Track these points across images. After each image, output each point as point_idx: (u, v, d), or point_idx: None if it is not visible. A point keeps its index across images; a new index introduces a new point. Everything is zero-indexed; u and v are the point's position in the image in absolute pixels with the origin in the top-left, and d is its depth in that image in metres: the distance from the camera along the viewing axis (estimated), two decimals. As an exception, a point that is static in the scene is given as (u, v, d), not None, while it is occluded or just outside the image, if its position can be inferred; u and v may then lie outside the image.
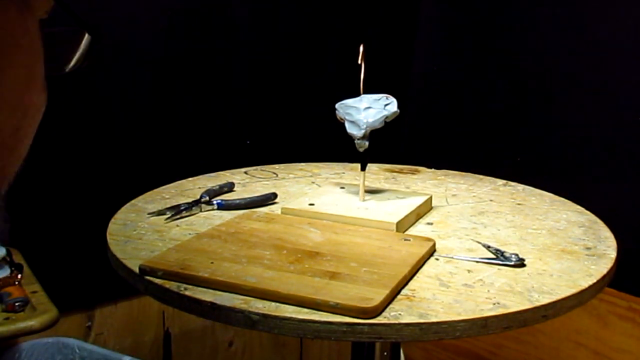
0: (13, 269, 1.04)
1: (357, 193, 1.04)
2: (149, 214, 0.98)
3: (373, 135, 0.98)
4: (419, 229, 0.97)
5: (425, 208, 1.05)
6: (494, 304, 0.70)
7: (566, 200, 1.14)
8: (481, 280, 0.77)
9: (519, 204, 1.11)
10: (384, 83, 1.06)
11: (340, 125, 1.00)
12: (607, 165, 1.49)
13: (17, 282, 1.05)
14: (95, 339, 1.40)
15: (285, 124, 1.65)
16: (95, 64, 0.37)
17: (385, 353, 1.17)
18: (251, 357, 1.69)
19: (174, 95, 1.44)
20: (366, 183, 1.04)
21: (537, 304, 0.71)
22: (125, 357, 1.05)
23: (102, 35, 0.37)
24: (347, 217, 0.95)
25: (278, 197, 1.08)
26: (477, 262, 0.83)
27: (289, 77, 1.64)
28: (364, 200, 1.03)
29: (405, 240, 0.87)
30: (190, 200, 1.03)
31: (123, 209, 1.01)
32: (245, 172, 1.28)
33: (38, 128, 0.34)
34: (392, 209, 0.98)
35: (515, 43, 1.68)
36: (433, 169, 1.35)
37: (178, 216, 0.97)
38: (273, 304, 0.68)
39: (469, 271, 0.80)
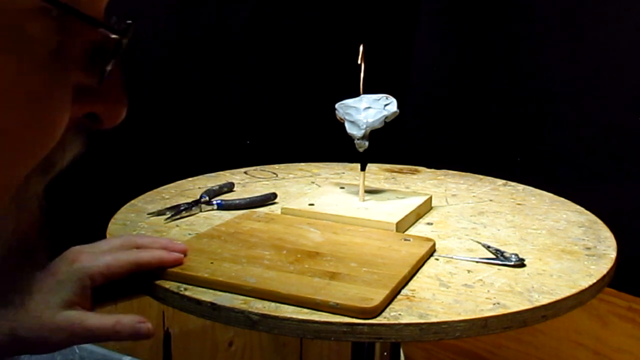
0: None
1: (357, 193, 1.04)
2: (148, 214, 0.98)
3: (373, 135, 0.98)
4: (419, 229, 0.97)
5: (425, 208, 1.05)
6: (494, 304, 0.70)
7: (566, 200, 1.14)
8: (481, 280, 0.77)
9: (519, 204, 1.11)
10: (384, 83, 1.06)
11: (340, 125, 1.00)
12: (607, 165, 1.49)
13: (17, 282, 1.05)
14: (95, 339, 1.40)
15: (285, 124, 1.65)
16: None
17: (385, 353, 1.17)
18: (251, 357, 1.69)
19: (174, 95, 1.44)
20: (366, 183, 1.04)
21: (537, 304, 0.71)
22: (125, 357, 1.05)
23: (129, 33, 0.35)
24: (347, 217, 0.95)
25: (278, 197, 1.08)
26: (477, 262, 0.83)
27: (289, 77, 1.64)
28: (363, 200, 1.03)
29: (405, 240, 0.87)
30: (190, 200, 1.03)
31: (123, 209, 1.01)
32: (245, 172, 1.28)
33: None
34: (392, 209, 0.98)
35: (515, 43, 1.68)
36: (433, 169, 1.35)
37: (178, 216, 0.97)
38: (273, 304, 0.68)
39: (469, 271, 0.80)
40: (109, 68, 0.33)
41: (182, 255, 0.75)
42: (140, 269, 0.71)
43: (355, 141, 0.99)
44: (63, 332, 0.62)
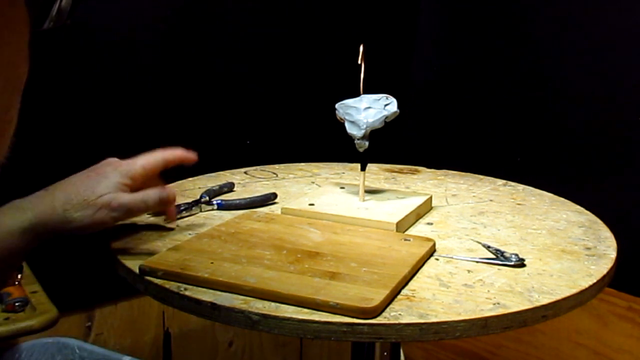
0: (13, 268, 1.04)
1: (357, 193, 1.04)
2: (149, 214, 0.98)
3: (373, 135, 0.98)
4: (419, 229, 0.97)
5: (425, 208, 1.05)
6: (494, 304, 0.70)
7: (566, 200, 1.14)
8: (481, 280, 0.77)
9: (519, 204, 1.11)
10: (384, 83, 1.06)
11: (340, 125, 1.00)
12: (607, 165, 1.49)
13: (17, 282, 1.05)
14: (95, 339, 1.40)
15: (285, 124, 1.65)
16: (79, 23, 0.38)
17: (385, 353, 1.17)
18: (251, 357, 1.69)
19: (174, 95, 1.44)
20: (366, 183, 1.04)
21: (537, 304, 0.71)
22: (125, 357, 1.05)
23: None
24: (347, 217, 0.95)
25: (278, 197, 1.08)
26: (477, 262, 0.83)
27: (288, 77, 1.64)
28: (364, 200, 1.03)
29: (405, 240, 0.87)
30: (190, 200, 1.03)
31: (123, 209, 1.01)
32: (245, 172, 1.28)
33: (40, 128, 0.34)
34: (392, 209, 0.98)
35: (516, 43, 1.68)
36: (433, 169, 1.35)
37: (178, 216, 0.97)
38: (273, 304, 0.68)
39: (469, 271, 0.80)
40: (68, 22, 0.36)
41: (196, 155, 0.89)
42: (167, 165, 0.85)
43: (355, 141, 0.99)
44: (104, 210, 0.75)
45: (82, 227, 0.75)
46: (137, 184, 0.80)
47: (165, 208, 0.85)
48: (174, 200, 0.82)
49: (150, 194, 0.79)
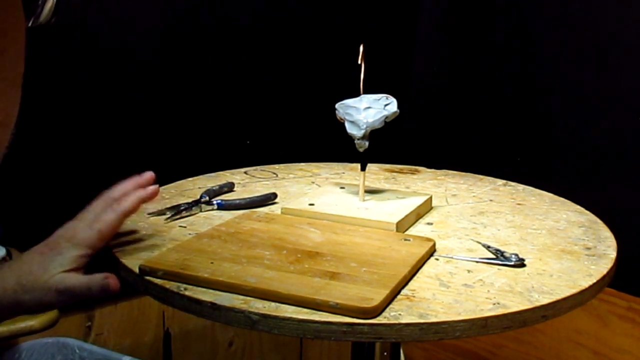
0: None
1: (357, 193, 1.04)
2: (148, 214, 0.98)
3: (373, 135, 0.98)
4: (419, 229, 0.97)
5: (425, 208, 1.05)
6: (494, 304, 0.70)
7: (566, 200, 1.14)
8: (481, 280, 0.77)
9: (519, 204, 1.11)
10: (384, 83, 1.06)
11: (340, 125, 1.00)
12: (607, 165, 1.49)
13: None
14: (95, 339, 1.40)
15: (285, 124, 1.65)
16: (78, 22, 0.39)
17: (385, 353, 1.17)
18: (251, 357, 1.69)
19: (174, 95, 1.44)
20: (366, 183, 1.04)
21: (537, 304, 0.71)
22: (125, 357, 1.05)
23: None
24: (347, 217, 0.95)
25: (278, 197, 1.08)
26: (477, 262, 0.83)
27: (289, 77, 1.64)
28: (364, 200, 1.03)
29: (405, 240, 0.87)
30: (190, 200, 1.03)
31: (123, 209, 1.01)
32: (245, 172, 1.28)
33: (40, 128, 0.35)
34: (392, 209, 0.98)
35: (515, 43, 1.68)
36: (433, 169, 1.35)
37: (178, 216, 0.97)
38: (273, 304, 0.68)
39: (469, 271, 0.80)
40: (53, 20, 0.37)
41: (157, 186, 0.82)
42: (128, 216, 0.79)
43: (355, 141, 0.99)
44: (52, 293, 0.71)
45: (30, 309, 0.72)
46: (98, 249, 0.76)
47: (110, 294, 0.74)
48: (118, 290, 0.73)
49: (96, 281, 0.72)
